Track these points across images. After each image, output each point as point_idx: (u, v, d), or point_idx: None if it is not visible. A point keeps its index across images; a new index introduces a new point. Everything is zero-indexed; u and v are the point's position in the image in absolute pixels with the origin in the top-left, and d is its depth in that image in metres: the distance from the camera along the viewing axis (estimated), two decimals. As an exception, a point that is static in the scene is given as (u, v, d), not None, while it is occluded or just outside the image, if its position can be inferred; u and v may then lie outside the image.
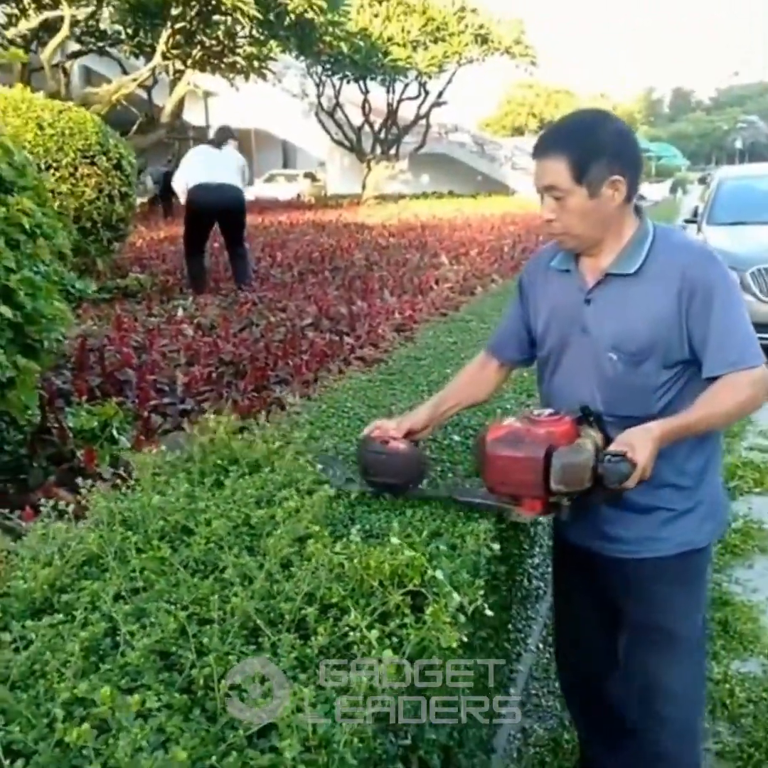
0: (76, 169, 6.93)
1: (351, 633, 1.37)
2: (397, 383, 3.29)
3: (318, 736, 1.13)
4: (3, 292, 2.67)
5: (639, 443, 1.81)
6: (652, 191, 30.59)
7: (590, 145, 1.91)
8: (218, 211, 7.82)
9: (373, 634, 1.36)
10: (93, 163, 7.05)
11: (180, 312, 6.47)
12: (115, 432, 3.66)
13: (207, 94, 29.21)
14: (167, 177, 8.52)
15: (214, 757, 1.10)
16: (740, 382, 1.90)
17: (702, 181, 30.33)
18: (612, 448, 1.82)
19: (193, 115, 29.32)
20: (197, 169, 7.72)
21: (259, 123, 36.60)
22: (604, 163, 1.90)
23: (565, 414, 1.93)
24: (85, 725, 1.09)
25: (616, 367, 2.01)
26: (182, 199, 7.95)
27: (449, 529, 1.92)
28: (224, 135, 8.22)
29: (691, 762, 2.27)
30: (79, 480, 2.29)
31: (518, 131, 54.48)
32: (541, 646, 3.18)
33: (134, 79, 14.50)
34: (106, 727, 1.14)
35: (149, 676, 1.28)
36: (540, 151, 1.98)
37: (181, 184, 7.76)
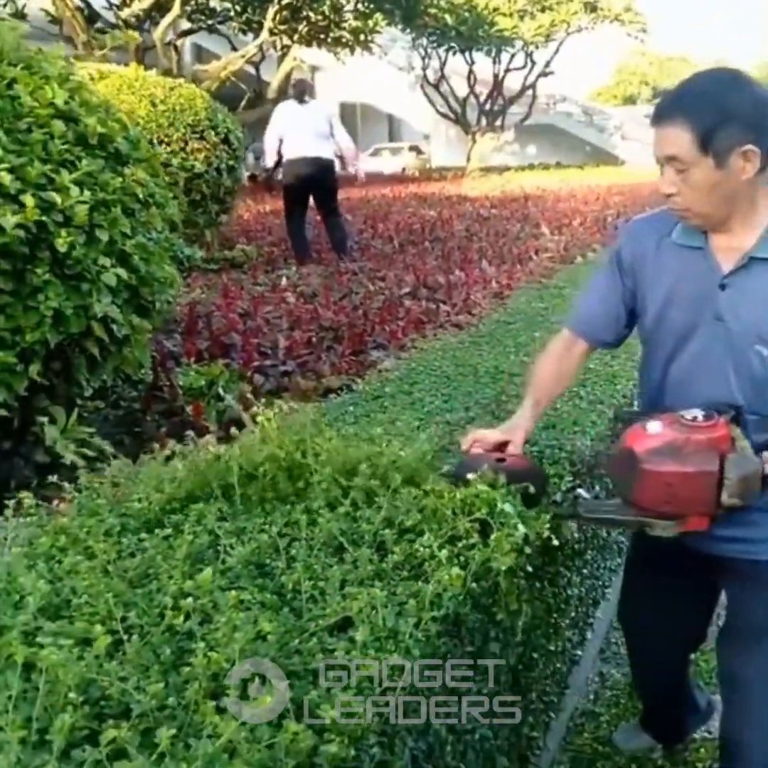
0: (186, 143, 7.23)
1: (422, 550, 1.53)
2: (485, 345, 3.42)
3: (387, 628, 1.30)
4: (120, 256, 2.90)
5: None
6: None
7: (718, 109, 1.68)
8: (309, 186, 8.05)
9: (443, 553, 1.52)
10: (202, 138, 7.35)
11: (283, 281, 6.72)
12: (221, 390, 3.90)
13: (313, 69, 29.50)
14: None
15: (297, 641, 1.28)
16: None
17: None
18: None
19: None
20: (288, 138, 7.96)
21: (365, 97, 36.76)
22: (734, 130, 1.67)
23: (717, 415, 1.71)
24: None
25: (764, 363, 1.79)
26: (269, 160, 8.24)
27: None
28: (303, 86, 8.45)
29: None
30: (189, 432, 2.54)
31: (630, 100, 53.10)
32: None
33: (242, 56, 14.83)
34: (208, 618, 1.34)
35: (245, 580, 1.48)
36: (660, 117, 1.75)
37: (270, 145, 8.07)
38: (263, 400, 2.85)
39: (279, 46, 16.59)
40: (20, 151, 2.66)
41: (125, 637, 1.26)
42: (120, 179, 2.97)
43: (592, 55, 36.19)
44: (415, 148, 36.24)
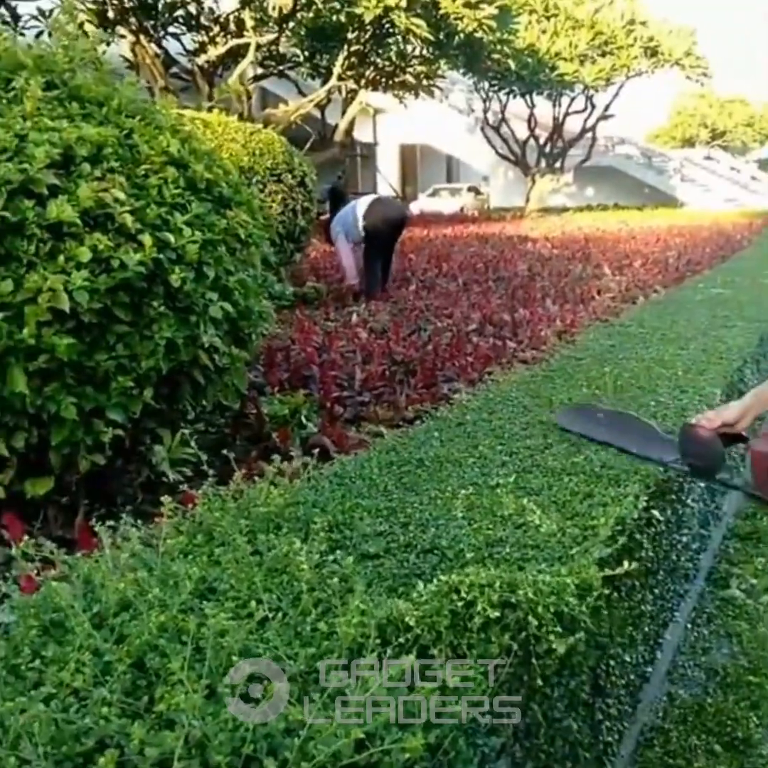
0: (265, 185, 7.57)
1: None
2: (557, 378, 3.61)
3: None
4: (223, 291, 3.16)
5: None
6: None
7: None
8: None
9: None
10: (280, 180, 7.68)
11: (354, 317, 6.97)
12: (303, 418, 4.14)
13: (376, 112, 30.14)
14: (332, 193, 9.14)
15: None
16: None
17: None
18: None
19: (361, 133, 30.34)
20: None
21: (424, 139, 37.37)
22: None
23: None
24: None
25: None
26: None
27: (601, 491, 2.24)
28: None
29: None
30: (275, 456, 2.76)
31: (689, 142, 52.98)
32: (689, 625, 3.42)
33: (311, 100, 15.31)
34: (342, 599, 1.54)
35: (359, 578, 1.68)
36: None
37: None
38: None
39: (345, 91, 17.09)
40: (139, 195, 2.94)
41: (270, 615, 1.47)
42: (224, 221, 3.24)
43: (651, 97, 36.27)
44: (473, 189, 36.65)
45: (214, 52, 13.70)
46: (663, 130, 57.75)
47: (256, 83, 15.42)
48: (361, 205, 8.50)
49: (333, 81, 14.78)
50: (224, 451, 3.93)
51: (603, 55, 25.24)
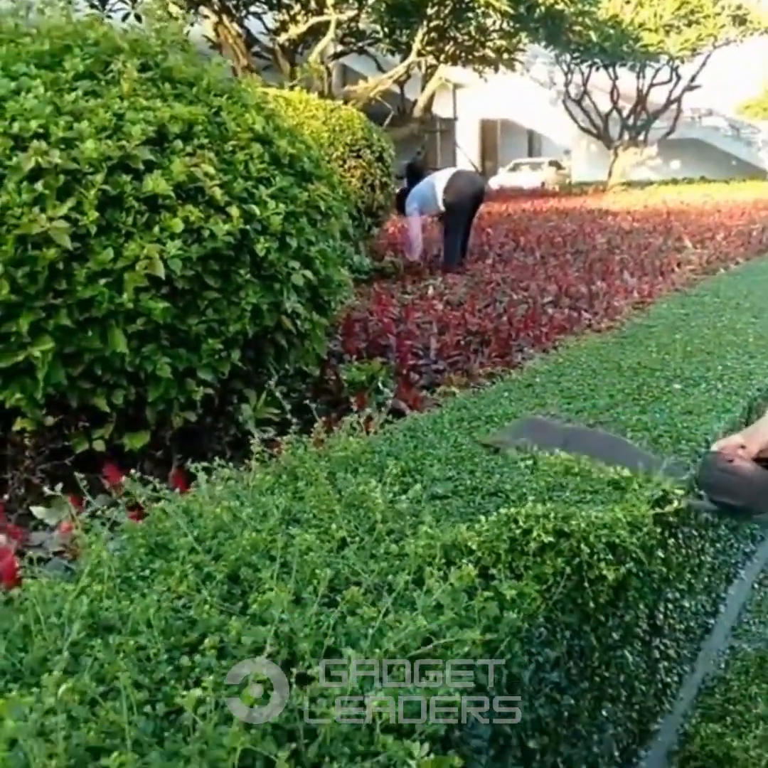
0: (344, 161, 7.75)
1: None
2: (627, 345, 3.71)
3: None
4: (305, 260, 3.35)
5: None
6: None
7: None
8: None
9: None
10: (359, 156, 7.85)
11: (430, 290, 7.12)
12: (380, 385, 4.31)
13: (455, 87, 30.02)
14: (410, 168, 9.31)
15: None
16: None
17: None
18: None
19: (440, 108, 30.27)
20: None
21: (505, 113, 37.07)
22: None
23: None
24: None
25: None
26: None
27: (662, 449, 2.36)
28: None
29: None
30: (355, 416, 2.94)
31: (781, 113, 51.31)
32: (756, 585, 3.50)
33: (390, 76, 15.41)
34: (413, 527, 1.71)
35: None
36: None
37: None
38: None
39: (424, 66, 17.12)
40: (226, 170, 3.13)
41: (348, 539, 1.65)
42: (306, 194, 3.42)
43: (741, 68, 35.27)
44: (554, 163, 36.25)
45: (294, 31, 13.88)
46: (754, 101, 56.01)
47: (336, 61, 15.57)
48: (440, 179, 8.63)
49: (412, 56, 14.84)
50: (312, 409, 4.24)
51: (689, 24, 24.62)
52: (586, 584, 1.66)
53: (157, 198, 2.90)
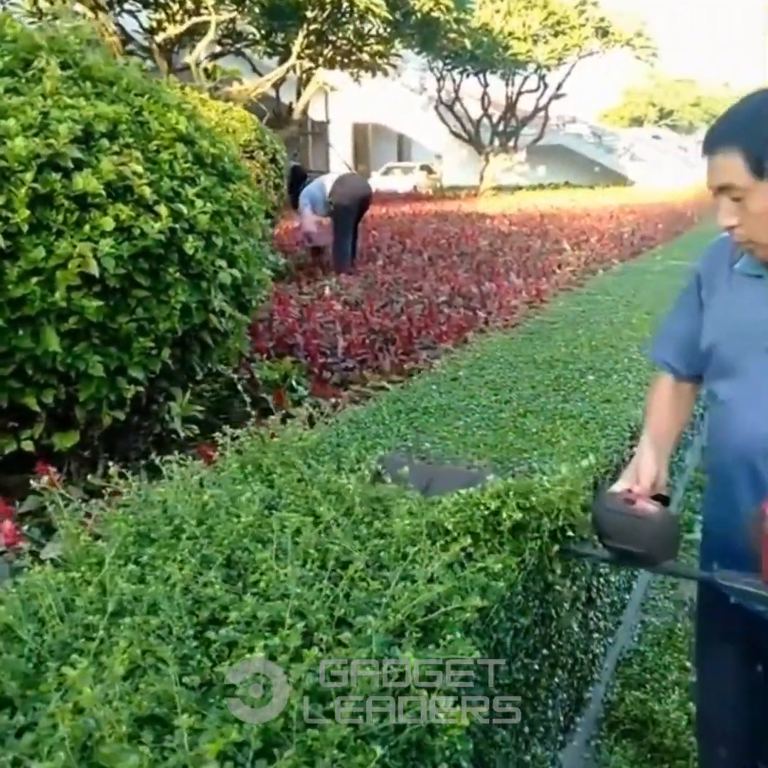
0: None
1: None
2: (536, 340, 3.91)
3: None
4: (230, 259, 3.39)
5: None
6: None
7: None
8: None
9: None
10: (252, 157, 7.88)
11: (327, 291, 7.21)
12: (294, 383, 4.38)
13: (326, 90, 30.17)
14: (294, 172, 9.39)
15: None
16: None
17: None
18: None
19: (313, 111, 30.34)
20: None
21: (376, 117, 37.46)
22: None
23: None
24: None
25: None
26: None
27: (590, 434, 2.52)
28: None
29: None
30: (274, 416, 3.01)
31: (637, 122, 53.72)
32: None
33: (269, 79, 15.41)
34: (386, 511, 1.80)
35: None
36: (710, 145, 1.64)
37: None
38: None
39: (299, 69, 17.16)
40: (152, 169, 3.14)
41: (331, 522, 1.73)
42: (229, 193, 3.46)
43: (601, 77, 36.83)
44: (426, 168, 36.83)
45: (172, 30, 13.72)
46: (612, 110, 58.46)
47: (214, 61, 15.43)
48: (327, 181, 8.75)
49: (292, 59, 14.89)
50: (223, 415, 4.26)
51: (555, 35, 25.56)
52: (546, 560, 1.79)
53: (87, 196, 2.89)
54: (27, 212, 2.74)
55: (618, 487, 1.78)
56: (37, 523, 2.84)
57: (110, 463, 2.09)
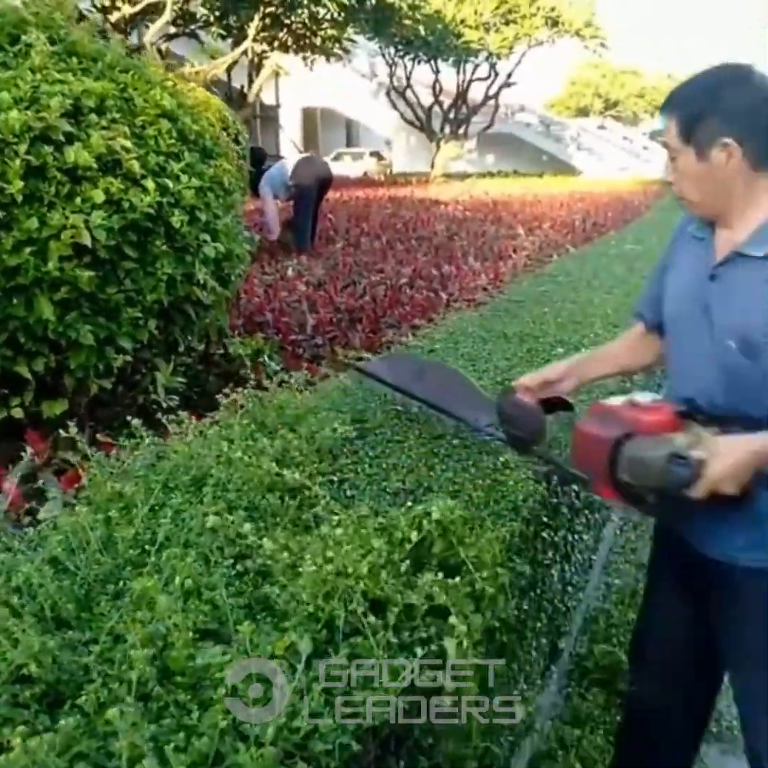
0: (200, 143, 7.77)
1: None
2: (504, 317, 4.06)
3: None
4: (213, 233, 3.48)
5: (723, 452, 1.62)
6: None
7: (702, 103, 1.72)
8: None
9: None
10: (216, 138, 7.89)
11: (290, 271, 7.30)
12: (266, 358, 4.48)
13: (277, 74, 30.03)
14: (253, 154, 9.45)
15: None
16: None
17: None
18: (694, 450, 1.63)
19: (263, 95, 30.20)
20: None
21: (326, 102, 37.39)
22: (714, 123, 1.69)
23: (670, 404, 1.78)
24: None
25: (734, 357, 1.73)
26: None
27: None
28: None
29: None
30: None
31: (583, 112, 54.27)
32: (617, 531, 3.93)
33: (224, 61, 15.37)
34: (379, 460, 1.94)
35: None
36: (662, 109, 1.82)
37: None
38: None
39: (251, 52, 17.12)
40: (139, 144, 3.22)
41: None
42: (211, 170, 3.55)
43: (549, 67, 37.26)
44: (376, 154, 36.89)
45: (127, 10, 13.61)
46: (558, 100, 58.96)
47: (168, 42, 15.35)
48: (288, 164, 8.85)
49: (247, 43, 14.87)
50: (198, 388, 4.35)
51: (507, 23, 25.80)
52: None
53: (78, 169, 2.96)
54: (21, 183, 2.80)
55: (520, 381, 2.12)
56: (29, 488, 2.92)
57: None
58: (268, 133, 36.02)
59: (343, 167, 32.72)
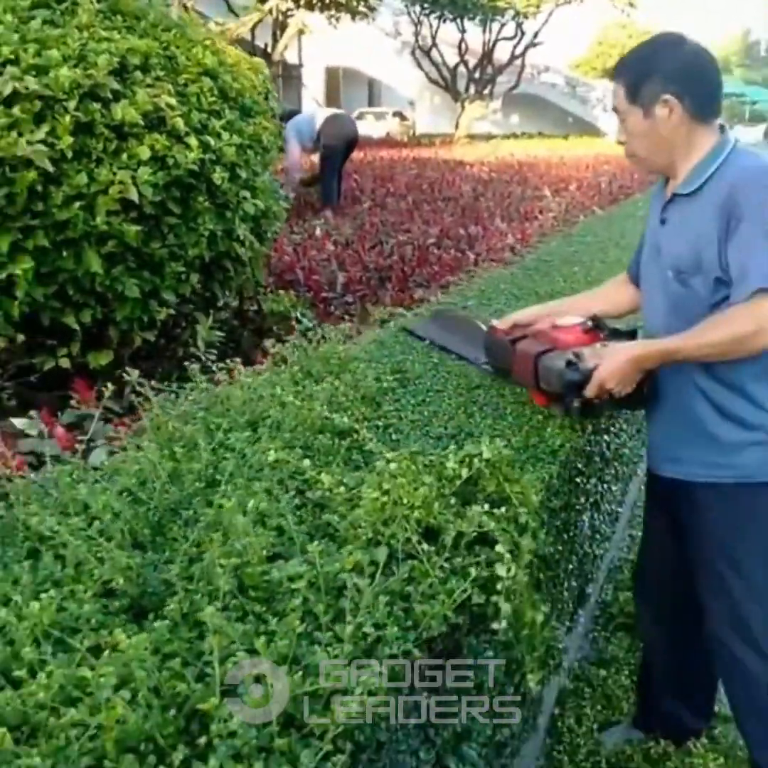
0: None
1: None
2: (535, 276, 4.13)
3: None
4: (252, 191, 3.57)
5: (610, 357, 1.97)
6: (745, 135, 30.34)
7: (643, 66, 1.98)
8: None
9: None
10: (245, 96, 7.95)
11: (318, 231, 7.36)
12: (299, 315, 4.58)
13: (301, 32, 29.78)
14: (281, 116, 9.48)
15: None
16: (742, 314, 1.82)
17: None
18: (587, 359, 1.99)
19: (286, 53, 29.98)
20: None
21: (349, 61, 37.05)
22: (655, 82, 1.95)
23: (582, 325, 2.17)
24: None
25: (672, 285, 2.02)
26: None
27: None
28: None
29: None
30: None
31: (609, 73, 53.31)
32: (643, 487, 4.02)
33: (251, 19, 15.30)
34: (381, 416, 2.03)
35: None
36: (613, 75, 2.07)
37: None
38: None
39: (276, 11, 17.01)
40: (182, 102, 3.30)
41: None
42: (251, 127, 3.62)
43: (576, 26, 36.69)
44: (398, 114, 36.58)
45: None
46: (584, 60, 58.09)
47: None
48: (319, 117, 8.89)
49: (273, 0, 14.79)
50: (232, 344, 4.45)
51: (535, -20, 25.44)
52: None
53: (124, 126, 3.04)
54: (71, 139, 2.89)
55: (495, 322, 2.49)
56: (75, 435, 3.04)
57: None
58: (291, 92, 35.77)
59: (366, 127, 32.38)
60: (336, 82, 40.41)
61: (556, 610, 2.24)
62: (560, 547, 2.11)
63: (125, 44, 3.20)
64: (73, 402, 3.00)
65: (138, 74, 3.19)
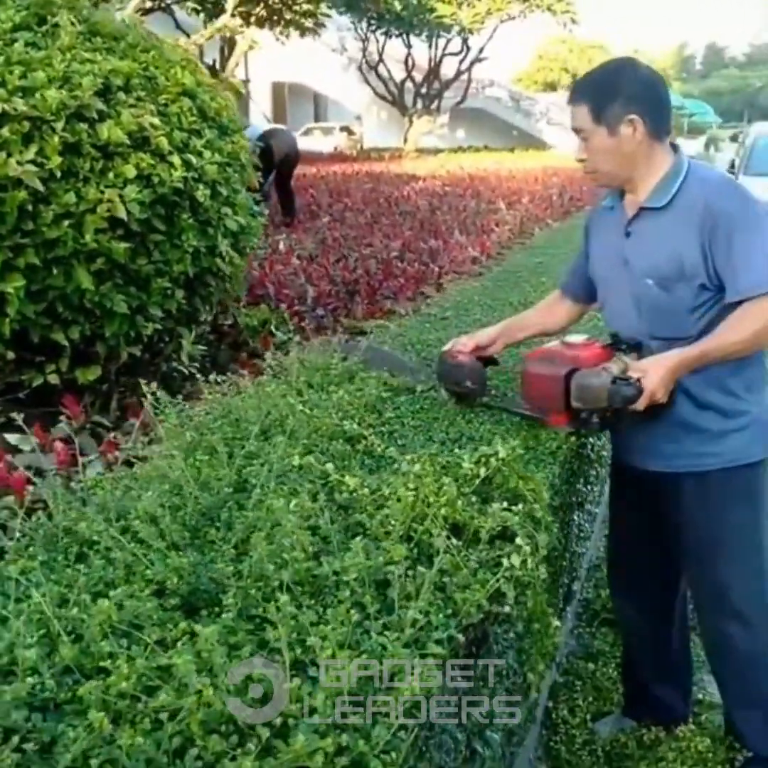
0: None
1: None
2: (506, 287, 4.26)
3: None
4: (233, 207, 3.64)
5: (652, 369, 2.01)
6: (686, 147, 30.90)
7: (607, 89, 2.11)
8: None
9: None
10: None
11: (281, 245, 7.44)
12: (273, 329, 4.64)
13: (249, 48, 29.81)
14: None
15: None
16: (759, 308, 1.99)
17: (733, 139, 30.53)
18: (630, 373, 2.00)
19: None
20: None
21: (295, 77, 37.11)
22: (619, 104, 2.07)
23: (598, 341, 2.18)
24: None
25: (652, 291, 2.13)
26: None
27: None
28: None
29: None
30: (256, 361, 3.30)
31: (551, 86, 54.28)
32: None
33: (202, 35, 15.32)
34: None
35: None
36: (570, 98, 2.20)
37: None
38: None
39: (225, 30, 17.05)
40: (164, 122, 3.36)
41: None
42: (230, 146, 3.70)
43: (517, 41, 37.36)
44: (346, 129, 36.75)
45: (103, -16, 13.53)
46: (525, 74, 58.92)
47: (144, 17, 15.25)
48: (258, 129, 9.09)
49: (225, 18, 14.83)
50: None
51: (479, -2, 25.85)
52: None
53: (110, 146, 3.10)
54: (59, 159, 2.94)
55: (451, 345, 2.46)
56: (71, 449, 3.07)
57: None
58: (240, 108, 35.78)
59: (313, 142, 32.55)
60: (282, 98, 40.43)
61: (551, 605, 2.34)
62: (559, 545, 2.21)
63: (108, 65, 3.26)
64: (62, 418, 3.06)
65: (121, 95, 3.25)
